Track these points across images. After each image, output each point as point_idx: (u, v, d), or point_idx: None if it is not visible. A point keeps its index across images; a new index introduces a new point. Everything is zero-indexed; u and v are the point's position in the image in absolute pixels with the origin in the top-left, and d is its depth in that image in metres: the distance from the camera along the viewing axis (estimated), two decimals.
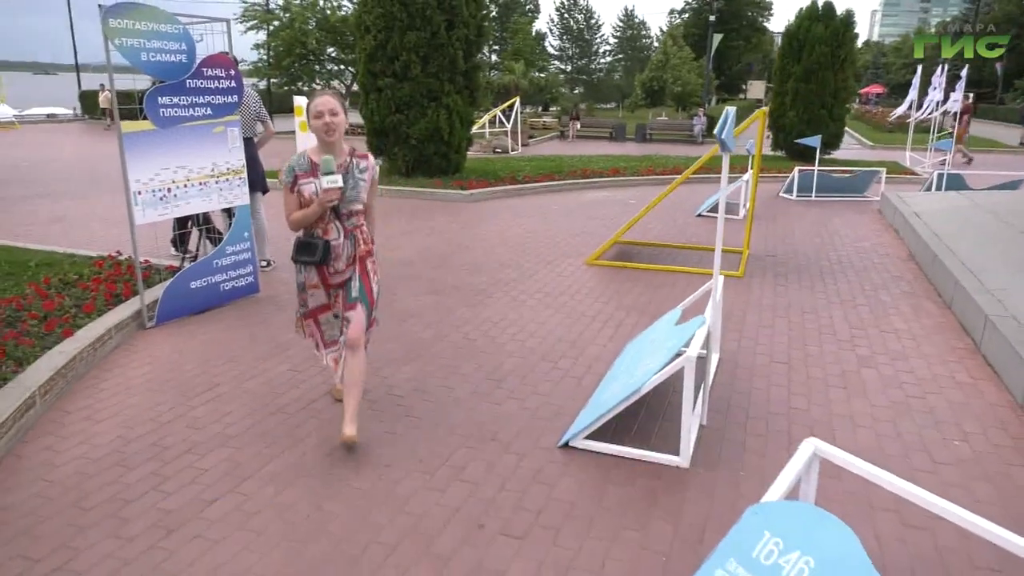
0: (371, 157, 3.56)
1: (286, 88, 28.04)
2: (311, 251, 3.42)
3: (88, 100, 33.62)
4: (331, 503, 3.13)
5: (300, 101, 19.13)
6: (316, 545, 2.85)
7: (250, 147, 6.44)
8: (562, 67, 49.01)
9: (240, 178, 5.88)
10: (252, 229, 6.16)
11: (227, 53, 5.78)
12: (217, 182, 5.71)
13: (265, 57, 28.21)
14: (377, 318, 3.85)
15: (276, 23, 26.46)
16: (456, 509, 3.11)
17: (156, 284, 5.89)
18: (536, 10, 42.36)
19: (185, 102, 5.38)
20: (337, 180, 3.24)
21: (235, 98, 5.76)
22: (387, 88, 12.34)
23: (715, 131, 3.44)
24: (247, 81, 6.28)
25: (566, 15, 49.50)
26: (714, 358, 4.49)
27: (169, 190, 5.37)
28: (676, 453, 3.46)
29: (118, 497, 3.15)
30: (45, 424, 3.84)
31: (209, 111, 5.57)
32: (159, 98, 5.22)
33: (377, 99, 12.51)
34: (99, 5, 4.71)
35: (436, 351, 4.95)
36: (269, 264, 6.94)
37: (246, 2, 27.27)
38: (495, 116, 21.45)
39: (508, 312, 5.83)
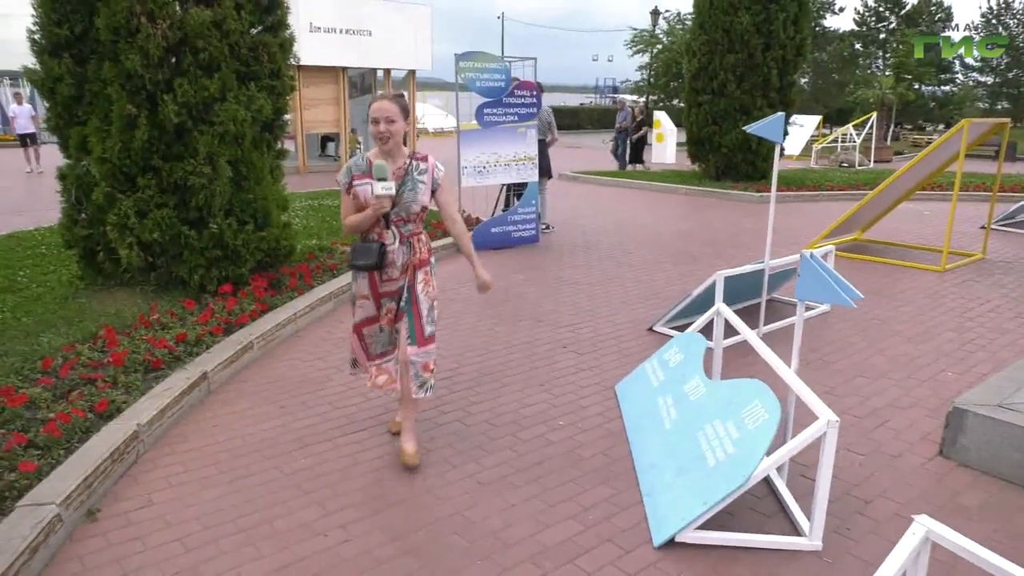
0: (431, 158, 3.36)
1: (661, 104, 31.17)
2: (367, 254, 3.23)
3: None
4: None
5: (659, 116, 21.90)
6: None
7: (543, 145, 9.26)
8: (982, 79, 43.68)
9: (532, 163, 8.75)
10: (539, 200, 9.00)
11: (534, 81, 8.70)
12: (516, 164, 8.66)
13: (647, 77, 31.69)
14: (435, 335, 3.47)
15: (659, 47, 29.69)
16: None
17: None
18: (948, 18, 38.58)
19: (501, 112, 8.42)
20: (390, 188, 3.10)
21: (535, 110, 8.65)
22: (706, 103, 14.34)
23: (749, 127, 5.03)
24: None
25: (994, 21, 43.84)
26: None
27: (485, 167, 8.46)
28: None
29: None
30: None
31: (516, 118, 8.53)
32: (485, 109, 8.32)
33: (697, 113, 14.58)
34: (455, 55, 7.95)
35: (659, 292, 7.18)
36: (548, 227, 9.69)
37: (635, 29, 31.08)
38: (845, 132, 21.48)
39: (707, 271, 7.68)
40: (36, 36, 5.70)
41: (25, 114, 16.65)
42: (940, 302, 6.61)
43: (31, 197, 12.67)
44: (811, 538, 2.86)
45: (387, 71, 19.82)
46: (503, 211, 9.27)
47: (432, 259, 3.46)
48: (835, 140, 21.76)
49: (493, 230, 8.71)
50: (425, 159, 3.33)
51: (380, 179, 3.11)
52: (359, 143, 21.23)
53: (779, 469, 3.30)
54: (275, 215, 6.31)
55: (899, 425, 4.07)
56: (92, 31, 5.47)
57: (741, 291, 5.86)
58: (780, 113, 5.34)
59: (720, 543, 2.88)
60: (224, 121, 5.59)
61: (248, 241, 5.89)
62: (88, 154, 5.74)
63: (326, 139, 21.50)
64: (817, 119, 24.64)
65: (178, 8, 5.44)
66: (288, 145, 7.63)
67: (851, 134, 21.04)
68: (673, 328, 5.62)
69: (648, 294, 6.80)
